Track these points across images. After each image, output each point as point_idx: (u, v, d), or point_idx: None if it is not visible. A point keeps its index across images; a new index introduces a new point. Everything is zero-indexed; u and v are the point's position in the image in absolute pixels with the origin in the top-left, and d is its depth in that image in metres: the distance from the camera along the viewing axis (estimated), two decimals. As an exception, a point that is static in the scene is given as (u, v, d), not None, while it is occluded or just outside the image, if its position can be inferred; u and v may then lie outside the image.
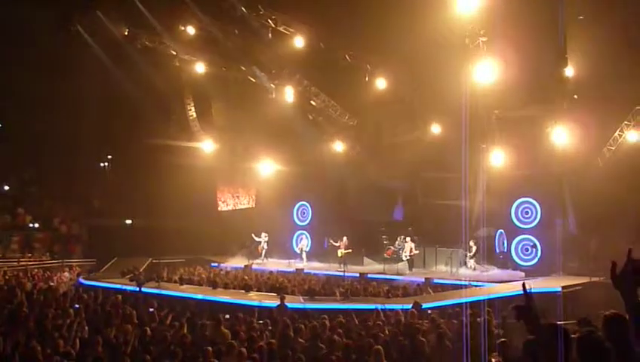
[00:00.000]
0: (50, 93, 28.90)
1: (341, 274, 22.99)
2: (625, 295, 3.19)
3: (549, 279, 19.71)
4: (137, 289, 18.75)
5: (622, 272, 3.23)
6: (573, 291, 17.31)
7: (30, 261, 27.52)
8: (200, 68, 27.11)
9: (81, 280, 22.83)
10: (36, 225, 30.90)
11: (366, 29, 22.95)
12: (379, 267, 24.39)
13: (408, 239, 24.22)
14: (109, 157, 36.48)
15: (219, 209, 34.46)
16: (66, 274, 25.18)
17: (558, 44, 19.25)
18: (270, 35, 24.12)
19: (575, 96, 21.35)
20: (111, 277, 23.39)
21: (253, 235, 27.80)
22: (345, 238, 25.15)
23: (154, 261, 26.21)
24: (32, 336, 9.99)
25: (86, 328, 11.39)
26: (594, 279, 18.06)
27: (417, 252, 24.10)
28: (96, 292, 16.77)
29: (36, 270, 24.88)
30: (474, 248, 21.95)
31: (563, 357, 3.47)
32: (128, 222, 32.98)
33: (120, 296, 15.84)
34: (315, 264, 26.39)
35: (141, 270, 23.50)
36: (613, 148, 21.84)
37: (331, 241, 25.73)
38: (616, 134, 21.73)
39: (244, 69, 26.87)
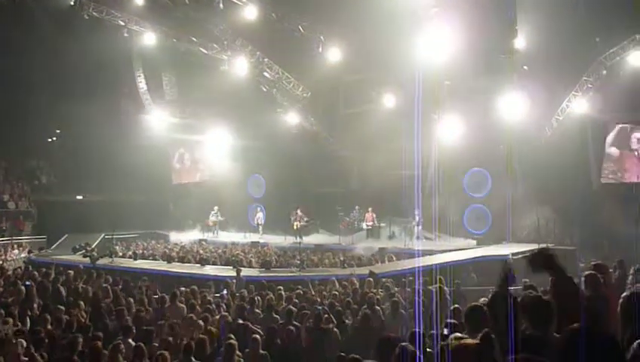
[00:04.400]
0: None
1: (297, 245, 23.16)
2: (552, 272, 4.15)
3: (499, 246, 20.24)
4: (91, 265, 18.54)
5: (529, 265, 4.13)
6: (521, 258, 17.79)
7: (-23, 239, 26.79)
8: (150, 39, 26.49)
9: (32, 258, 22.39)
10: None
11: (319, -1, 22.80)
12: (334, 238, 24.64)
13: (370, 209, 24.57)
14: (58, 131, 35.55)
15: (173, 183, 34.09)
16: (15, 251, 24.63)
17: (508, 16, 19.50)
18: (221, 5, 23.66)
19: (525, 67, 21.71)
20: (62, 254, 23.02)
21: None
22: (299, 210, 25.25)
23: (107, 236, 25.84)
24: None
25: (36, 305, 11.21)
26: (542, 245, 18.61)
27: (378, 224, 24.52)
28: (47, 269, 16.49)
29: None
30: (417, 217, 22.13)
31: (513, 318, 3.72)
32: (79, 197, 32.32)
33: (72, 272, 15.63)
34: (271, 236, 26.46)
35: (94, 246, 23.14)
36: (561, 118, 22.36)
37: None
38: (564, 104, 22.23)
39: (195, 40, 26.40)
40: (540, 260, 4.16)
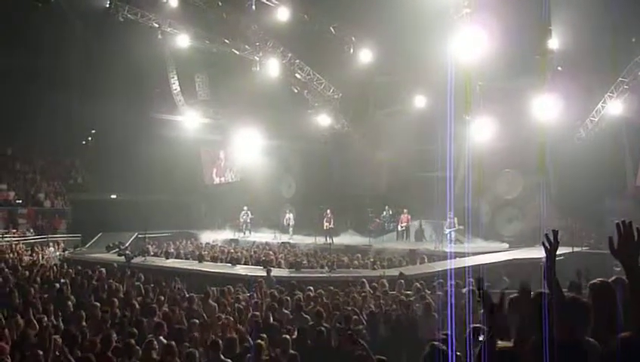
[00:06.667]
0: (33, 68, 28.50)
1: (327, 246, 23.17)
2: (625, 263, 3.29)
3: (532, 249, 19.96)
4: (126, 263, 18.81)
5: (619, 244, 3.30)
6: (556, 261, 17.51)
7: (15, 237, 27.36)
8: (183, 40, 26.77)
9: (67, 255, 22.81)
10: (20, 201, 30.63)
11: (350, 1, 22.78)
12: (364, 239, 24.59)
13: (405, 211, 24.50)
14: (93, 131, 36.17)
15: (205, 183, 34.40)
16: (51, 248, 25.11)
17: (542, 16, 19.24)
18: (254, 6, 23.83)
19: (559, 68, 21.40)
20: (96, 252, 23.40)
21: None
22: (329, 211, 25.28)
23: (139, 235, 26.18)
24: (17, 311, 10.02)
25: (70, 303, 11.40)
26: (576, 249, 18.33)
27: (412, 224, 24.45)
28: (82, 266, 16.77)
29: (21, 245, 24.76)
30: (450, 220, 21.95)
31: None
32: (113, 196, 32.83)
33: (104, 270, 15.87)
34: (301, 237, 26.51)
35: (127, 244, 23.48)
36: (595, 120, 21.99)
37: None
38: (599, 106, 21.85)
39: (227, 41, 26.60)
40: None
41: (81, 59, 28.07)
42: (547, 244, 3.97)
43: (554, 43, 20.40)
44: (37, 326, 8.99)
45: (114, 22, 24.70)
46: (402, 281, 13.35)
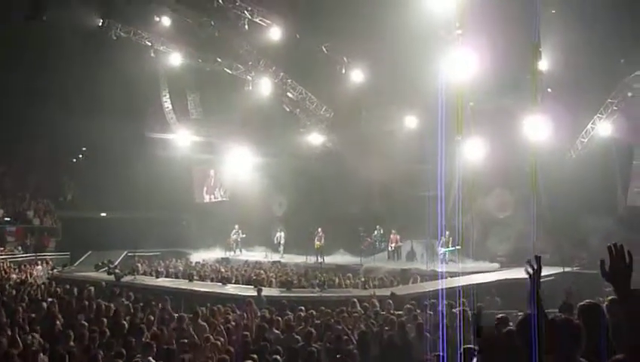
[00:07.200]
0: (22, 85, 28.41)
1: (318, 265, 23.07)
2: (617, 287, 3.26)
3: (523, 269, 19.90)
4: (115, 281, 18.68)
5: (611, 267, 3.28)
6: (546, 281, 17.53)
7: (3, 255, 27.09)
8: (176, 59, 26.83)
9: (56, 274, 22.61)
10: (8, 219, 30.37)
11: (342, 21, 22.91)
12: (355, 259, 24.49)
13: (394, 231, 24.48)
14: (84, 149, 36.03)
15: (196, 201, 34.28)
16: (39, 267, 24.88)
17: (531, 38, 19.41)
18: (246, 26, 23.96)
19: (549, 90, 21.56)
20: (85, 270, 23.21)
21: None
22: (320, 229, 25.23)
23: (129, 254, 26.00)
24: (3, 330, 9.89)
25: (58, 322, 11.27)
26: (567, 269, 18.35)
27: (402, 244, 24.38)
28: (70, 285, 16.62)
29: (9, 263, 24.51)
30: (444, 239, 21.96)
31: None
32: (103, 214, 32.64)
33: (93, 289, 15.72)
34: (292, 256, 26.40)
35: (116, 263, 23.30)
36: (585, 141, 22.12)
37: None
38: (588, 126, 22.00)
39: (220, 60, 26.68)
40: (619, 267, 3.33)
41: (73, 77, 27.98)
42: (530, 270, 3.95)
43: (544, 64, 20.58)
44: (21, 345, 8.87)
45: (107, 40, 24.75)
46: (391, 301, 13.30)
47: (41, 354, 8.13)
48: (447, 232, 21.65)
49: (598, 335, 3.92)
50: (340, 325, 10.96)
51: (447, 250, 21.90)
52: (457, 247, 21.39)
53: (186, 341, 9.69)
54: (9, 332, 9.50)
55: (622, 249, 3.30)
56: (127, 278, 20.07)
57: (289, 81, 25.74)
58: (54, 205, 32.90)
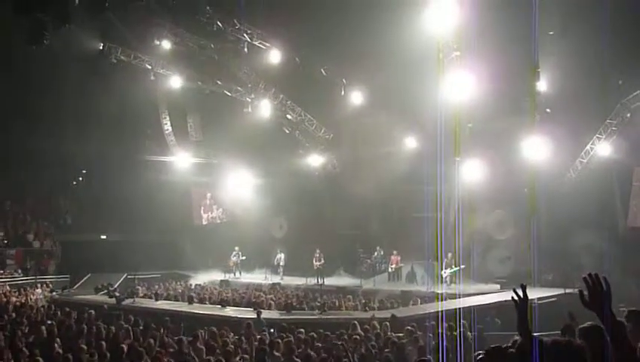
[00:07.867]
0: (22, 108, 28.52)
1: (318, 287, 23.00)
2: (599, 313, 3.39)
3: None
4: (116, 304, 18.61)
5: (590, 296, 3.45)
6: (548, 302, 17.48)
7: (2, 278, 26.99)
8: (175, 82, 26.96)
9: (55, 297, 22.51)
10: (7, 242, 30.28)
11: (341, 43, 23.12)
12: (355, 281, 24.42)
13: (395, 252, 24.44)
14: (84, 172, 36.08)
15: (195, 223, 34.23)
16: (39, 290, 24.77)
17: (530, 59, 19.56)
18: (246, 49, 24.14)
19: (548, 110, 21.67)
20: (84, 293, 23.11)
21: None
22: (318, 250, 25.22)
23: (129, 276, 25.91)
24: (3, 353, 9.84)
25: (57, 345, 11.21)
26: (568, 291, 18.27)
27: (402, 265, 24.34)
28: (70, 308, 16.54)
29: (8, 286, 24.41)
30: (446, 261, 21.97)
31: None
32: (103, 237, 32.57)
33: (93, 312, 15.65)
34: (292, 278, 26.31)
35: (116, 286, 23.22)
36: (585, 161, 22.18)
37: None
38: (588, 147, 22.08)
39: (220, 83, 26.83)
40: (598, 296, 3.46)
41: (73, 99, 28.09)
42: (516, 298, 3.95)
43: (542, 85, 20.71)
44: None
45: (107, 63, 24.88)
46: (388, 323, 13.26)
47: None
48: (449, 254, 21.68)
49: (602, 356, 3.90)
50: (341, 348, 10.90)
51: (452, 271, 21.86)
52: (462, 266, 21.35)
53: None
54: (9, 356, 9.45)
55: (597, 277, 3.46)
56: (127, 301, 19.99)
57: (288, 102, 25.88)
58: (54, 228, 32.85)
